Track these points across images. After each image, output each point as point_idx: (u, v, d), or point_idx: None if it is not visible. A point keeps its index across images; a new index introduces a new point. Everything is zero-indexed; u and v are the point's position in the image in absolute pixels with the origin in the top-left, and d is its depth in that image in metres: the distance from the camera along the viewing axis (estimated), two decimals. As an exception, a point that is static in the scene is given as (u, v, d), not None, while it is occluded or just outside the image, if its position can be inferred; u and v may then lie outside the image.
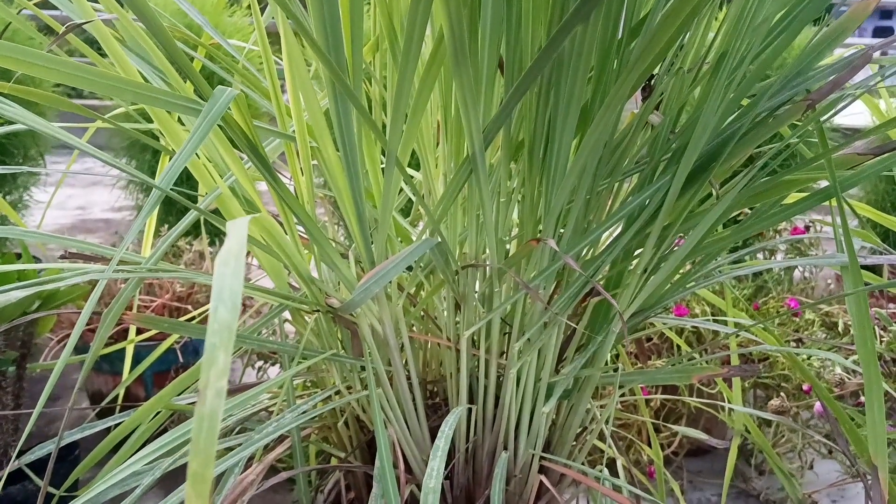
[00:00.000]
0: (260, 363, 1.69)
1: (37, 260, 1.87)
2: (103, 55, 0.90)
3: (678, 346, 1.54)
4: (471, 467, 0.97)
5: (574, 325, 0.95)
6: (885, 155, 0.81)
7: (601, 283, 0.96)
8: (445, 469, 0.94)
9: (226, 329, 0.31)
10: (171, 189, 0.63)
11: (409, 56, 0.66)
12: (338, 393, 0.96)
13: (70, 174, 1.48)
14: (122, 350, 1.41)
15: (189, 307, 1.64)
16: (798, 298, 1.65)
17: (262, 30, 0.87)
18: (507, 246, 1.00)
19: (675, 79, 0.87)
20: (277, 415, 0.90)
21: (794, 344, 1.55)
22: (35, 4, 0.99)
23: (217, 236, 2.36)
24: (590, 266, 0.89)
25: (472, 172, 0.78)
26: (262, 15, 1.01)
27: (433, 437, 0.93)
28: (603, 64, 0.81)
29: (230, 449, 0.88)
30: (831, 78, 0.75)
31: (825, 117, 0.82)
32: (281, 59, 0.83)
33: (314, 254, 0.93)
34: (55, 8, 0.93)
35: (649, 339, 1.60)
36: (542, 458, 0.95)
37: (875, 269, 1.72)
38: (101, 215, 4.11)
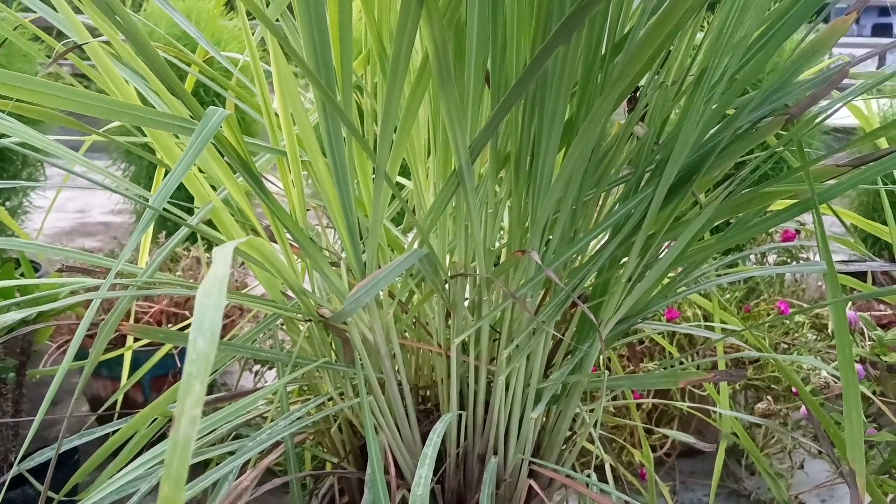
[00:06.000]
0: (257, 367, 1.71)
1: (35, 266, 1.89)
2: (84, 58, 0.91)
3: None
4: (461, 472, 0.99)
5: (560, 336, 0.97)
6: (867, 165, 0.83)
7: (589, 290, 0.98)
8: (437, 474, 0.96)
9: (203, 359, 0.33)
10: (166, 201, 0.65)
11: (395, 79, 0.68)
12: (330, 399, 0.98)
13: (69, 178, 1.50)
14: (121, 355, 1.43)
15: (186, 312, 1.66)
16: (788, 301, 1.67)
17: (254, 48, 0.89)
18: (500, 249, 1.02)
19: (659, 92, 0.89)
20: (272, 421, 0.92)
21: (785, 346, 1.57)
22: (20, 10, 1.01)
23: (215, 241, 2.37)
24: (576, 274, 0.91)
25: (459, 186, 0.80)
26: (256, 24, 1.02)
27: (425, 441, 0.95)
28: (587, 78, 0.82)
29: (226, 455, 0.90)
30: (810, 93, 0.77)
31: (807, 129, 0.84)
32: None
33: (306, 264, 0.95)
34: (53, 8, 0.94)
35: (641, 342, 1.62)
36: (531, 462, 0.97)
37: (864, 273, 1.74)
38: (101, 218, 4.13)
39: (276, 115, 0.91)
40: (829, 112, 0.83)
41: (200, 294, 0.35)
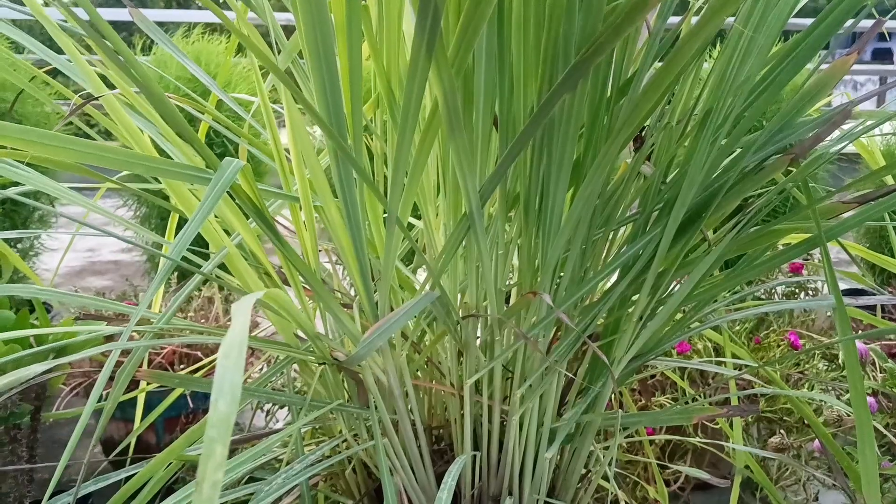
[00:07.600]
0: (269, 406, 1.71)
1: (47, 307, 1.91)
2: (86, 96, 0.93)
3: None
4: (476, 512, 0.99)
5: (572, 376, 0.97)
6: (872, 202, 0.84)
7: (599, 329, 0.98)
8: (452, 515, 0.96)
9: (224, 423, 0.33)
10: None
11: (405, 130, 0.69)
12: (345, 442, 0.98)
13: (82, 223, 1.51)
14: (134, 397, 1.43)
15: (198, 353, 1.67)
16: (798, 331, 1.67)
17: (265, 97, 0.91)
18: (512, 287, 1.02)
19: (665, 132, 0.90)
20: (286, 465, 0.92)
21: (797, 377, 1.56)
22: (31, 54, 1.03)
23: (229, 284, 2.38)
24: (587, 313, 0.91)
25: (469, 229, 0.81)
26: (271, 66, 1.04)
27: (439, 482, 0.96)
28: (594, 120, 0.84)
29: (241, 499, 0.90)
30: (812, 133, 0.78)
31: (811, 170, 0.85)
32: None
33: (319, 307, 0.96)
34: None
35: (653, 376, 1.61)
36: (546, 503, 0.97)
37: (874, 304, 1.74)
38: (111, 257, 4.15)
39: (288, 158, 0.92)
40: (834, 150, 0.84)
41: (221, 356, 0.35)
